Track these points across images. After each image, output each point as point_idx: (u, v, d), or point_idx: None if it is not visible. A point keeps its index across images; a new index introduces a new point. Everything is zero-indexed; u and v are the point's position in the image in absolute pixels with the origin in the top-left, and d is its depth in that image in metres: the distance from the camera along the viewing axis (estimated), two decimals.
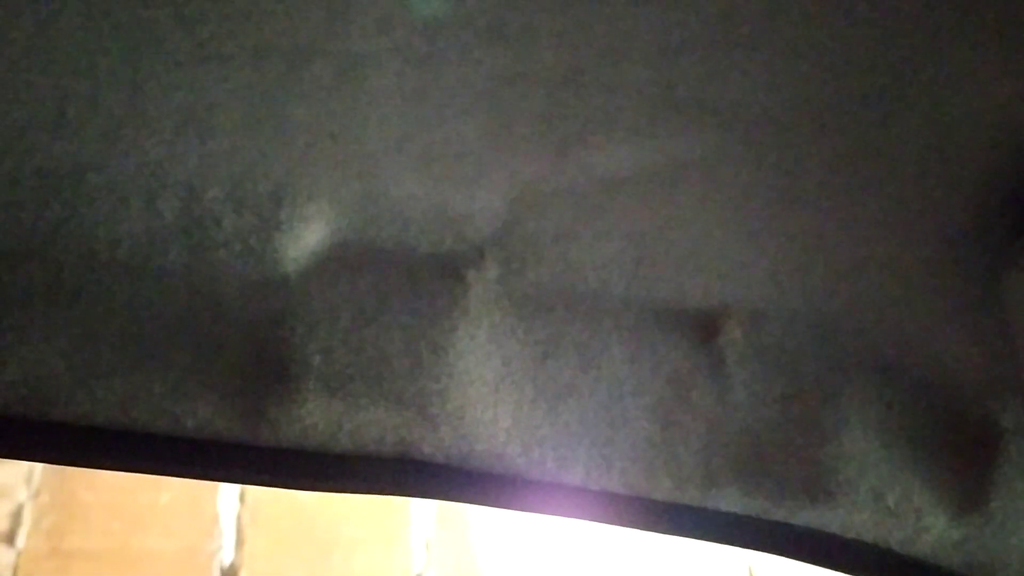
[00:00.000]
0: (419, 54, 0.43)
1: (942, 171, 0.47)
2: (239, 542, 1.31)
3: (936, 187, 0.48)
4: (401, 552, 1.35)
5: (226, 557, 1.30)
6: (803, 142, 0.47)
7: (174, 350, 0.47)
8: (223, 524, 1.32)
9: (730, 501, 0.51)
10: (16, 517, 1.28)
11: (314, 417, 0.47)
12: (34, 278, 0.46)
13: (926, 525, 0.51)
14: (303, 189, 0.47)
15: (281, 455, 0.47)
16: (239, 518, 1.33)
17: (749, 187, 0.48)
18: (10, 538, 1.26)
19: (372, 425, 0.48)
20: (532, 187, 0.48)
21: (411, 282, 0.49)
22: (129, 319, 0.47)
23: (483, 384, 0.49)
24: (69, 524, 1.29)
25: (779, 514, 0.51)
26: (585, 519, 0.52)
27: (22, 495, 1.30)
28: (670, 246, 0.50)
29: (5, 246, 0.46)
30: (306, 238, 0.48)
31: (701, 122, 0.46)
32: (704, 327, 0.52)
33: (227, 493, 1.35)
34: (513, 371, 0.49)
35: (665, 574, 1.39)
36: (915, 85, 0.45)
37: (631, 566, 1.39)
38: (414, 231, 0.48)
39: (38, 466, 1.32)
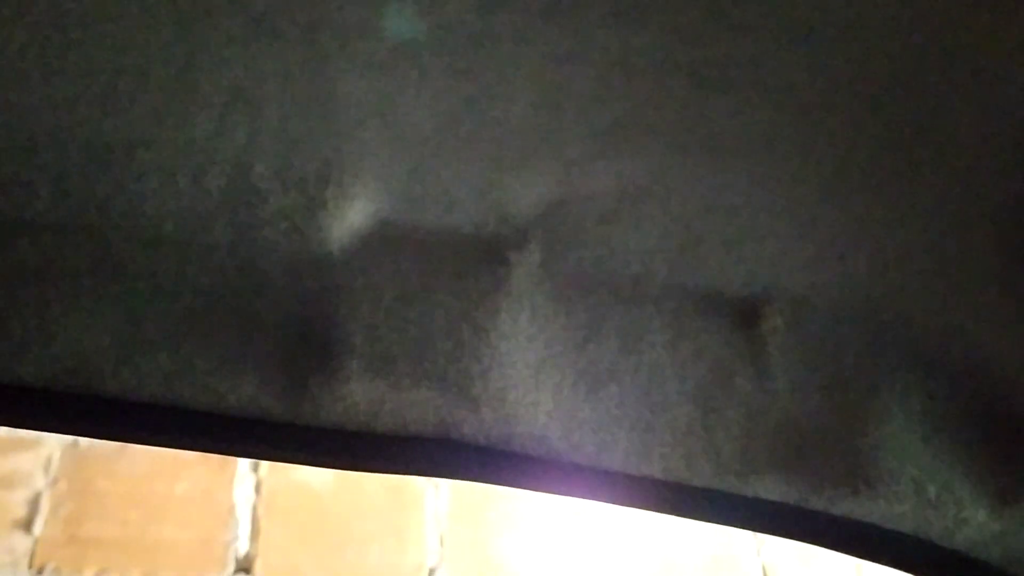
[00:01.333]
0: (472, 32, 0.43)
1: (993, 158, 0.47)
2: (254, 533, 1.31)
3: (986, 175, 0.47)
4: (415, 546, 1.35)
5: (241, 547, 1.30)
6: (852, 127, 0.47)
7: (218, 327, 0.47)
8: (239, 515, 1.32)
9: (769, 489, 0.51)
10: (34, 504, 1.28)
11: (356, 396, 0.47)
12: (81, 253, 0.46)
13: (966, 517, 0.51)
14: (349, 167, 0.47)
15: (322, 434, 0.47)
16: (254, 509, 1.33)
17: (796, 172, 0.48)
18: (27, 525, 1.26)
19: (414, 405, 0.48)
20: (579, 170, 0.48)
21: (454, 263, 0.49)
22: (174, 295, 0.47)
23: (525, 367, 0.48)
24: (86, 512, 1.29)
25: (819, 503, 0.51)
26: (623, 504, 0.52)
27: (40, 482, 1.30)
28: (714, 231, 0.50)
29: (53, 220, 0.46)
30: (351, 217, 0.48)
31: (751, 104, 0.46)
32: (746, 314, 0.51)
33: (243, 484, 1.35)
34: (555, 354, 0.49)
35: (677, 573, 1.38)
36: (967, 69, 0.45)
37: (643, 564, 1.38)
38: (458, 212, 0.48)
39: (56, 453, 1.33)
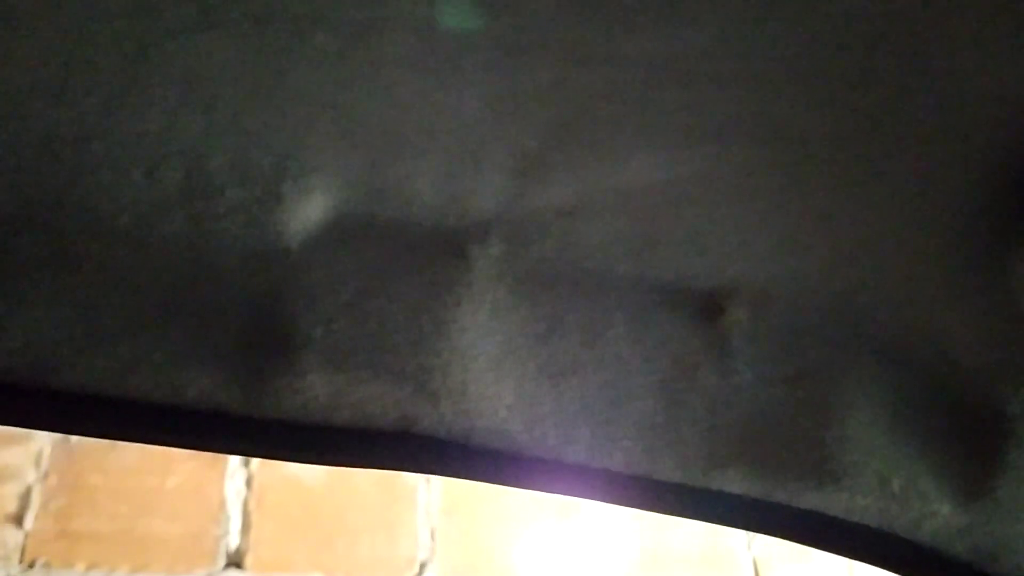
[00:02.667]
0: (424, 23, 0.42)
1: (952, 150, 0.47)
2: (245, 527, 1.31)
3: (946, 166, 0.47)
4: (406, 541, 1.35)
5: (232, 542, 1.30)
6: (811, 119, 0.47)
7: (175, 320, 0.47)
8: (229, 509, 1.32)
9: (733, 482, 0.51)
10: (24, 498, 1.28)
11: (315, 390, 0.47)
12: (36, 246, 0.46)
13: (931, 511, 0.51)
14: (306, 161, 0.47)
15: (281, 427, 0.47)
16: (245, 503, 1.34)
17: (756, 165, 0.48)
18: (18, 519, 1.26)
19: (373, 399, 0.47)
20: (537, 162, 0.47)
21: (414, 257, 0.49)
22: (130, 288, 0.47)
23: (486, 360, 0.48)
24: (76, 506, 1.30)
25: (783, 496, 0.51)
26: (587, 497, 0.51)
27: (31, 477, 1.30)
28: (675, 224, 0.50)
29: (5, 213, 0.46)
30: (308, 210, 0.48)
31: (709, 96, 0.46)
32: (709, 307, 0.51)
33: (234, 479, 1.35)
34: (516, 348, 0.49)
35: (668, 570, 1.38)
36: (926, 62, 0.45)
37: (633, 559, 1.38)
38: (417, 205, 0.48)
39: (47, 448, 1.33)
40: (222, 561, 1.29)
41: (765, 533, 0.52)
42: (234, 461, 1.37)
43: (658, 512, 0.51)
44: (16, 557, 1.24)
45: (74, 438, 1.35)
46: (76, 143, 0.45)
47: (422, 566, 1.33)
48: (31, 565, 1.24)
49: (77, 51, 0.43)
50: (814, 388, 0.51)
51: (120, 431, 0.47)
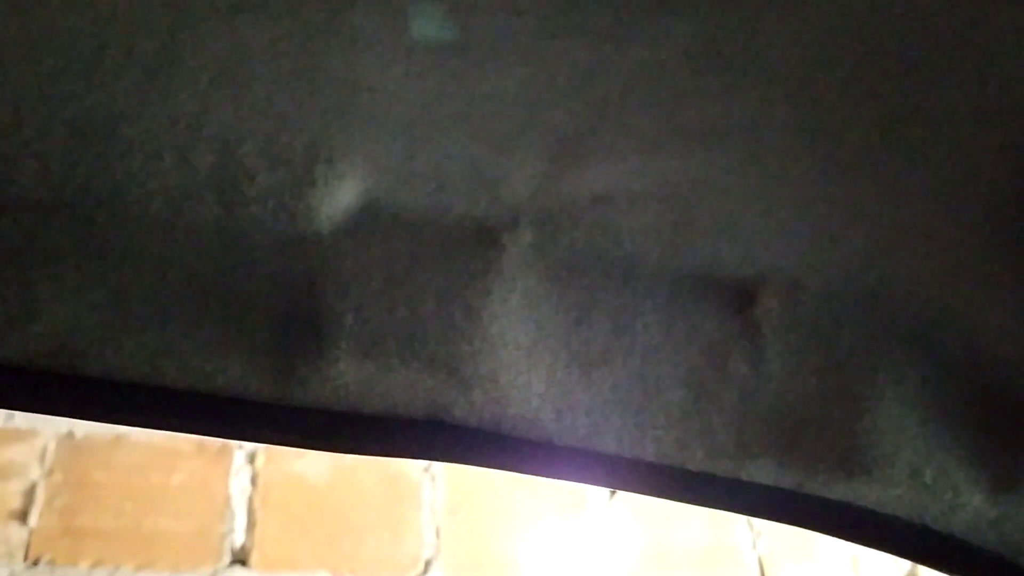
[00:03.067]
0: (461, 4, 0.42)
1: (988, 139, 0.47)
2: (250, 525, 1.31)
3: (981, 156, 0.47)
4: (411, 538, 1.34)
5: (237, 539, 1.30)
6: (846, 107, 0.46)
7: (205, 306, 0.46)
8: (234, 506, 1.32)
9: (764, 473, 0.50)
10: (29, 495, 1.27)
11: (345, 377, 0.47)
12: (65, 232, 0.46)
13: (962, 502, 0.51)
14: (339, 145, 0.46)
15: (311, 415, 0.47)
16: (250, 501, 1.33)
17: (790, 153, 0.48)
18: (23, 516, 1.26)
19: (404, 387, 0.47)
20: (572, 147, 0.47)
21: (445, 244, 0.48)
22: (160, 274, 0.46)
23: (516, 348, 0.48)
24: (81, 503, 1.29)
25: (814, 487, 0.50)
26: (615, 487, 0.51)
27: (35, 473, 1.29)
28: (708, 212, 0.49)
29: (35, 197, 0.45)
30: (340, 196, 0.47)
31: (745, 84, 0.45)
32: (741, 296, 0.51)
33: (239, 476, 1.35)
34: (546, 336, 0.49)
35: (673, 567, 1.38)
36: (962, 50, 0.44)
37: (638, 555, 1.38)
38: (449, 192, 0.48)
39: (51, 444, 1.32)
40: (227, 558, 1.29)
41: (795, 524, 0.52)
42: (239, 458, 1.37)
43: (689, 503, 0.51)
44: (21, 554, 1.24)
45: (78, 434, 1.35)
46: (107, 127, 0.45)
47: (427, 564, 1.33)
48: (35, 562, 1.23)
49: (109, 34, 0.43)
50: (845, 378, 0.50)
51: (149, 419, 0.47)
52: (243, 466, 1.37)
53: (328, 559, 1.32)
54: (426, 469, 1.41)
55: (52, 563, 1.24)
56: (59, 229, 0.45)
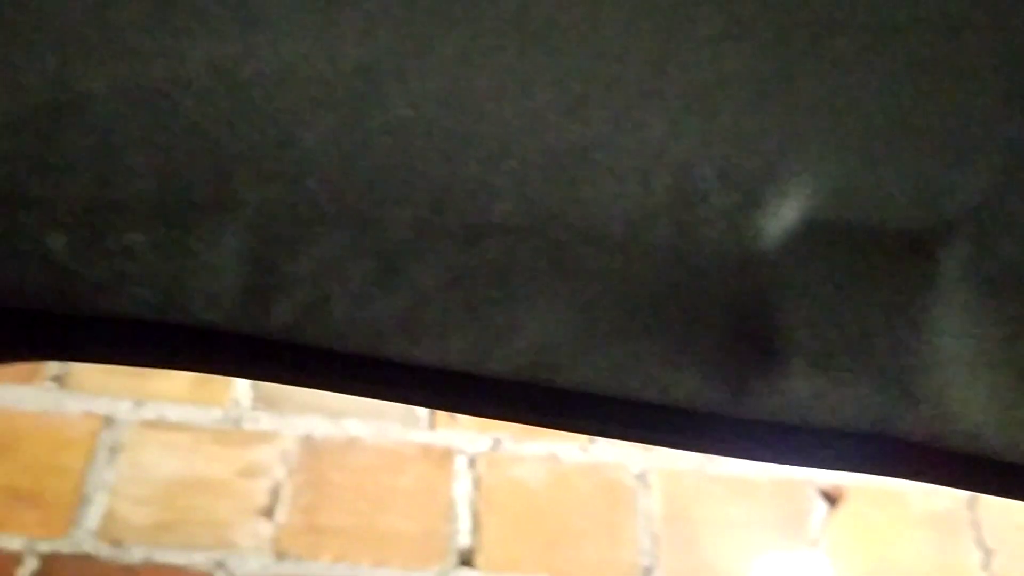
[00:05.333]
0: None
1: None
2: (475, 527, 1.35)
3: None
4: (628, 545, 1.36)
5: (462, 540, 1.34)
6: None
7: (663, 323, 0.49)
8: (459, 509, 1.36)
9: None
10: (275, 493, 1.35)
11: (797, 391, 0.49)
12: (537, 254, 0.49)
13: None
14: (791, 165, 0.48)
15: (761, 427, 0.49)
16: (473, 504, 1.37)
17: None
18: (269, 512, 1.33)
19: (854, 400, 0.49)
20: (1020, 159, 0.47)
21: (882, 259, 0.49)
22: (622, 293, 0.49)
23: (960, 363, 0.49)
24: (321, 502, 1.35)
25: None
26: None
27: (280, 473, 1.36)
28: None
29: (514, 223, 0.48)
30: (785, 214, 0.49)
31: None
32: None
33: (461, 480, 1.39)
34: (986, 351, 0.49)
35: None
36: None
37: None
38: (889, 209, 0.49)
39: (293, 446, 1.39)
40: (454, 559, 1.33)
41: None
42: (461, 462, 1.41)
43: None
44: (268, 548, 1.30)
45: (316, 436, 1.41)
46: (580, 154, 0.47)
47: (646, 572, 1.34)
48: (282, 557, 1.30)
49: (599, 66, 0.45)
50: None
51: (606, 429, 0.50)
52: (464, 470, 1.41)
53: (550, 563, 1.35)
54: (639, 477, 1.43)
55: (298, 558, 1.31)
56: (533, 251, 0.49)
